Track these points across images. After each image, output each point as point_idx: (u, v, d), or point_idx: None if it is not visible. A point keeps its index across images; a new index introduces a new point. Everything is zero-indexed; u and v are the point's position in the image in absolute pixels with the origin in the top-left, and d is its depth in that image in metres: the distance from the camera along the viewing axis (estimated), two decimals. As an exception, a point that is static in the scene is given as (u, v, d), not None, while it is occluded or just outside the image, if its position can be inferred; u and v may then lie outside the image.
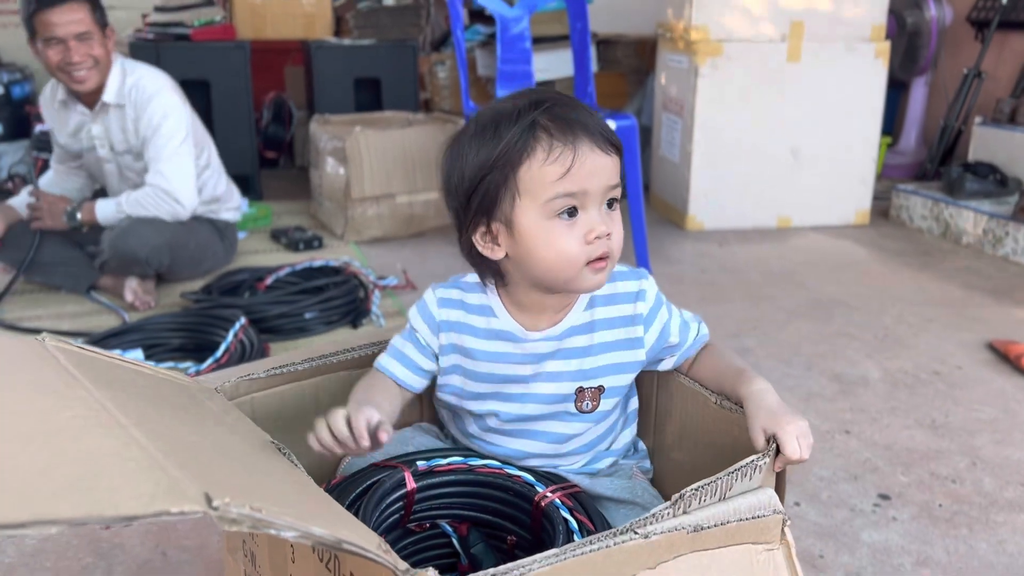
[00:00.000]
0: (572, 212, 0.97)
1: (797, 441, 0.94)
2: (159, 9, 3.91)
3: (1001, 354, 2.21)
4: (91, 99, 2.53)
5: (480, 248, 1.03)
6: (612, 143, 1.00)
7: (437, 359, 1.11)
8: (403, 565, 0.70)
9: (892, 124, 4.52)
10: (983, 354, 2.24)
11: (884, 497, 1.60)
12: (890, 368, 2.16)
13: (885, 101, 3.52)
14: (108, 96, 2.50)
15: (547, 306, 1.08)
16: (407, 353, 1.10)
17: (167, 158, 2.52)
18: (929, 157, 4.18)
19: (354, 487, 1.05)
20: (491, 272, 1.06)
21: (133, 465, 0.62)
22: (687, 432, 1.15)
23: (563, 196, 0.96)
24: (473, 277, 1.11)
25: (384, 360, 1.10)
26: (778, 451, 0.94)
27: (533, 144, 0.96)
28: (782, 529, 0.92)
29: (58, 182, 2.76)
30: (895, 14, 4.12)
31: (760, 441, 0.96)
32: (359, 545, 0.67)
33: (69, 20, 2.35)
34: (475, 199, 0.99)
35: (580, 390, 1.09)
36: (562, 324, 1.08)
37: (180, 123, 2.56)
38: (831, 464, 1.71)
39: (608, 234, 0.98)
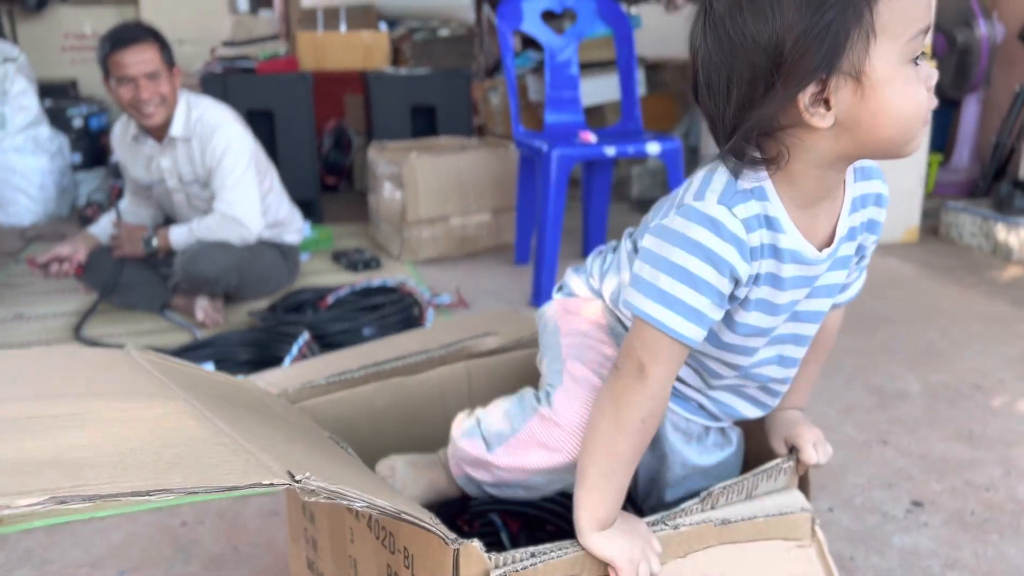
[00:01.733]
0: (920, 55, 0.81)
1: (814, 447, 1.02)
2: (227, 44, 4.13)
3: (1043, 368, 2.23)
4: (160, 134, 2.70)
5: (807, 116, 0.81)
6: None
7: (732, 299, 0.90)
8: (452, 535, 0.80)
9: (944, 142, 4.51)
10: (1026, 368, 2.26)
11: (917, 504, 1.65)
12: (931, 381, 2.20)
13: (938, 118, 3.54)
14: (175, 131, 2.67)
15: (823, 204, 0.90)
16: (696, 305, 0.86)
17: (232, 186, 2.68)
18: (982, 175, 4.17)
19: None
20: (771, 158, 0.86)
21: (225, 449, 0.73)
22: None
23: (920, 35, 0.79)
24: (729, 177, 0.87)
25: (671, 320, 0.86)
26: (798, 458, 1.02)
27: None
28: (812, 527, 0.99)
29: (132, 210, 2.94)
30: (945, 32, 4.13)
31: (781, 450, 1.04)
32: (416, 516, 0.77)
33: (139, 60, 2.53)
34: (816, 48, 0.78)
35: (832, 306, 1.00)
36: (838, 232, 0.92)
37: (242, 152, 2.72)
38: (866, 472, 1.77)
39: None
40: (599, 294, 1.09)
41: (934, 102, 0.82)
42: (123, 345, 2.40)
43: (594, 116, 4.38)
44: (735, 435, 1.09)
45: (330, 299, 2.61)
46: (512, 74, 3.07)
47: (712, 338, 0.93)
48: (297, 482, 0.68)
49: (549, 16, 3.27)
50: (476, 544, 0.80)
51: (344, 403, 1.19)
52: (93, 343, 2.49)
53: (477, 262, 3.41)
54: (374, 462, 1.18)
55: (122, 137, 2.82)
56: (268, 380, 1.19)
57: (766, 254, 0.88)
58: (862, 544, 1.52)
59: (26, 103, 4.16)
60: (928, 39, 0.81)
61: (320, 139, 4.71)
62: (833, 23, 0.77)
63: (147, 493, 0.62)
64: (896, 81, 0.79)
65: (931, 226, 3.72)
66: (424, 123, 4.13)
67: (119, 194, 3.11)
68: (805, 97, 0.80)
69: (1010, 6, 4.30)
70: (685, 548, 0.89)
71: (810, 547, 0.99)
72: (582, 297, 1.11)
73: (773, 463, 0.97)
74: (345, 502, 0.71)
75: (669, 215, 0.88)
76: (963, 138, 4.40)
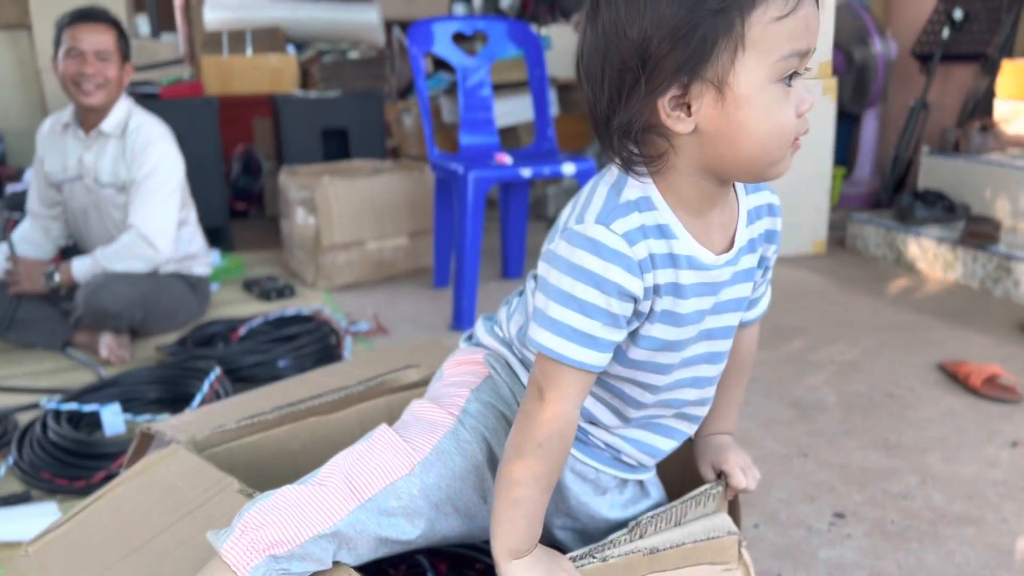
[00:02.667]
0: (791, 77, 0.79)
1: (743, 472, 1.02)
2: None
3: (950, 374, 2.30)
4: (91, 123, 2.63)
5: (665, 117, 0.80)
6: None
7: (633, 318, 0.87)
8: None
9: (846, 156, 4.67)
10: (934, 375, 2.33)
11: (839, 516, 1.67)
12: (846, 392, 2.25)
13: (839, 133, 3.65)
14: (107, 126, 2.61)
15: (714, 212, 0.88)
16: (587, 330, 0.83)
17: (153, 204, 2.60)
18: (883, 186, 4.32)
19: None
20: (651, 157, 0.84)
21: None
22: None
23: (794, 56, 0.77)
24: (611, 190, 0.85)
25: (563, 348, 0.84)
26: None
27: None
28: (739, 550, 0.98)
29: (31, 238, 2.80)
30: (843, 50, 4.28)
31: (710, 476, 1.03)
32: None
33: (94, 38, 2.51)
34: (680, 51, 0.76)
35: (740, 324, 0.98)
36: (737, 242, 0.91)
37: (173, 175, 2.66)
38: (789, 486, 1.78)
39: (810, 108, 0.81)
40: (505, 341, 1.04)
41: (804, 127, 0.81)
42: (16, 389, 2.28)
43: (509, 137, 4.39)
44: (655, 490, 1.05)
45: (242, 331, 2.52)
46: (425, 97, 3.05)
47: (620, 357, 0.90)
48: None
49: (460, 38, 3.26)
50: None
51: (257, 447, 1.14)
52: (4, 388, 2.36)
53: (395, 286, 3.36)
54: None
55: (51, 128, 2.75)
56: (175, 425, 1.12)
57: (661, 263, 0.85)
58: (789, 559, 1.53)
59: (-90, 133, 3.93)
60: (812, 62, 0.80)
61: (228, 164, 4.59)
62: (702, 27, 0.75)
63: None
64: (760, 99, 0.77)
65: (838, 238, 3.84)
66: (336, 146, 4.07)
67: (15, 226, 2.96)
68: (666, 99, 0.79)
69: (902, 24, 4.49)
70: (613, 585, 0.87)
71: (737, 570, 0.98)
72: (483, 345, 1.07)
73: (702, 489, 0.96)
74: None
75: (554, 240, 0.86)
76: (864, 152, 4.55)
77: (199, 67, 3.99)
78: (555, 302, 0.84)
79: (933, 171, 3.63)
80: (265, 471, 1.12)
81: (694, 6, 0.75)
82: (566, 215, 0.88)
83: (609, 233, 0.82)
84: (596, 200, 0.85)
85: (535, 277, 0.98)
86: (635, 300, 0.84)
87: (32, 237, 2.81)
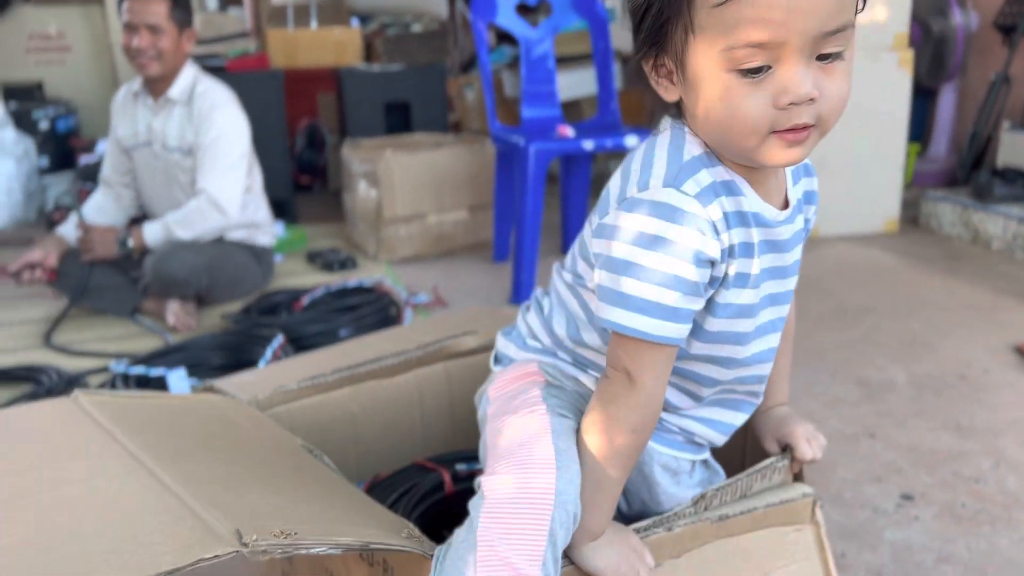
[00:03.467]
0: (758, 70, 0.72)
1: (807, 443, 0.99)
2: (196, 42, 4.05)
3: (1028, 356, 2.22)
4: (158, 91, 2.69)
5: (651, 82, 0.81)
6: None
7: (709, 285, 0.82)
8: (429, 548, 0.76)
9: (922, 132, 4.51)
10: (1010, 357, 2.25)
11: (907, 497, 1.62)
12: (916, 372, 2.18)
13: (914, 109, 3.53)
14: (174, 92, 2.66)
15: (766, 170, 0.83)
16: (667, 302, 0.78)
17: (221, 170, 2.65)
18: (960, 164, 4.17)
19: (395, 487, 1.11)
20: (677, 109, 0.82)
21: (168, 517, 0.70)
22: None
23: (747, 48, 0.71)
24: (671, 149, 0.82)
25: (644, 324, 0.79)
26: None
27: None
28: (812, 510, 0.95)
29: (103, 206, 2.87)
30: (920, 22, 4.13)
31: (775, 450, 1.00)
32: (383, 542, 0.73)
33: (146, 10, 2.55)
34: (646, 22, 0.77)
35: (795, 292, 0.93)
36: (791, 199, 0.87)
37: (240, 140, 2.72)
38: (855, 467, 1.74)
39: (813, 99, 0.73)
40: (547, 349, 0.99)
41: (791, 120, 0.73)
42: (88, 354, 2.34)
43: (571, 110, 4.35)
44: (720, 469, 1.03)
45: (305, 300, 2.55)
46: (487, 68, 3.02)
47: (697, 333, 0.85)
48: (245, 546, 0.64)
49: (524, 10, 3.22)
50: (456, 554, 0.76)
51: (318, 409, 1.14)
52: (62, 350, 2.42)
53: (455, 260, 3.36)
54: (353, 470, 1.14)
55: (124, 96, 2.82)
56: (238, 384, 1.14)
57: (733, 222, 0.81)
58: (854, 540, 1.49)
59: (-10, 106, 4.06)
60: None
61: (293, 138, 4.64)
62: (657, 3, 0.75)
63: None
64: (713, 85, 0.74)
65: (911, 216, 3.72)
66: (399, 120, 4.07)
67: (88, 196, 3.04)
68: (648, 65, 0.80)
69: (984, -5, 4.30)
70: (680, 548, 0.85)
71: (807, 530, 0.96)
72: (517, 362, 1.01)
73: (767, 462, 0.93)
74: (304, 551, 0.67)
75: (611, 212, 0.82)
76: (940, 128, 4.39)
77: (265, 40, 4.03)
78: (628, 276, 0.78)
79: (1013, 147, 3.49)
80: (324, 432, 1.12)
81: None
82: (619, 185, 0.84)
83: (681, 195, 0.77)
84: (658, 163, 0.81)
85: (564, 271, 0.96)
86: (712, 264, 0.80)
87: (104, 205, 2.88)
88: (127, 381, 1.99)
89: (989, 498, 1.61)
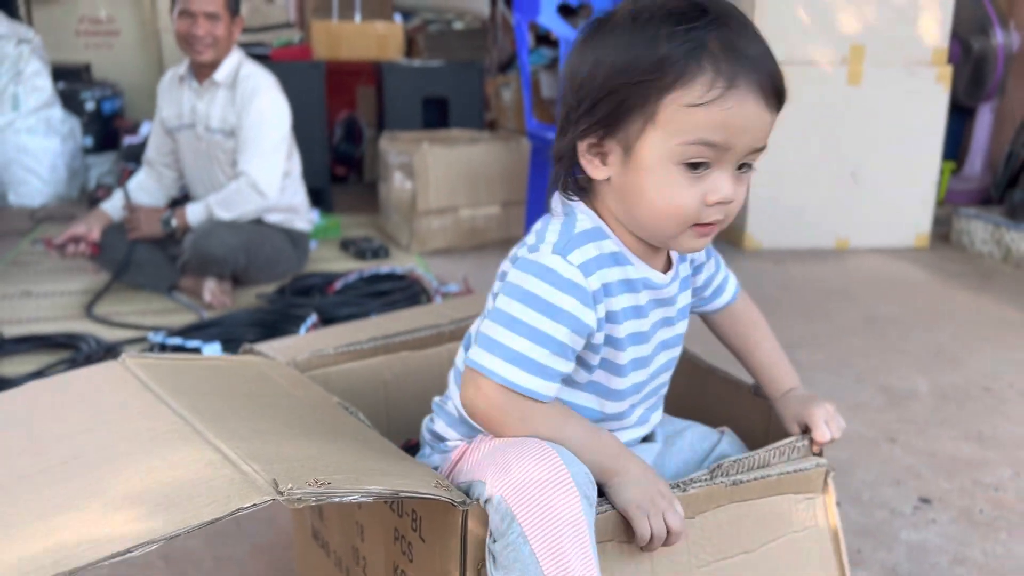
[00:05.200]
0: (702, 165, 0.81)
1: (826, 424, 1.01)
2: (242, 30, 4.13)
3: (1054, 373, 2.21)
4: (204, 75, 2.75)
5: (583, 159, 0.87)
6: (778, 97, 0.83)
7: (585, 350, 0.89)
8: (460, 497, 0.79)
9: (957, 150, 4.49)
10: (1037, 373, 2.25)
11: (925, 501, 1.64)
12: (940, 383, 2.18)
13: (950, 127, 3.52)
14: (219, 75, 2.73)
15: (642, 246, 0.92)
16: (541, 360, 0.84)
17: (261, 153, 2.71)
18: (994, 183, 4.15)
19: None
20: (575, 185, 0.90)
21: (210, 470, 0.74)
22: (722, 419, 1.22)
23: (701, 144, 0.80)
24: (564, 223, 0.89)
25: (511, 373, 0.84)
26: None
27: (694, 72, 0.79)
28: (825, 479, 0.98)
29: (146, 186, 2.95)
30: (961, 39, 4.11)
31: (795, 431, 1.03)
32: (413, 490, 0.77)
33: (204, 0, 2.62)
34: (601, 107, 0.83)
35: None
36: (673, 257, 0.96)
37: (281, 124, 2.78)
38: (874, 469, 1.75)
39: (732, 200, 0.83)
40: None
41: (714, 216, 0.83)
42: (128, 326, 2.41)
43: (606, 114, 4.37)
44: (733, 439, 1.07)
45: (338, 284, 2.60)
46: (527, 67, 3.07)
47: (602, 391, 0.93)
48: (281, 494, 0.68)
49: (565, 11, 3.26)
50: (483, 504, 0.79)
51: (353, 374, 1.19)
52: (103, 321, 2.49)
53: (485, 254, 3.40)
54: (383, 434, 1.17)
55: (170, 80, 2.89)
56: (277, 348, 1.18)
57: (618, 290, 0.88)
58: (870, 538, 1.51)
59: (40, 84, 4.16)
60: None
61: (331, 129, 4.71)
62: (621, 92, 0.81)
63: (127, 551, 0.64)
64: (657, 174, 0.82)
65: (942, 233, 3.71)
66: (436, 115, 4.13)
67: (131, 176, 3.12)
68: (585, 144, 0.85)
69: (1027, 15, 4.28)
70: (694, 510, 0.88)
71: (818, 498, 0.98)
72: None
73: (786, 441, 0.96)
74: (337, 499, 0.71)
75: (509, 270, 0.88)
76: (976, 147, 4.38)
77: (309, 31, 4.10)
78: (503, 327, 0.84)
79: (1050, 168, 3.47)
80: (357, 396, 1.16)
81: (622, 71, 0.81)
82: (515, 250, 0.92)
83: (565, 264, 0.84)
84: (550, 233, 0.88)
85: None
86: (589, 333, 0.86)
87: (146, 185, 2.95)
88: (164, 351, 2.05)
89: (1008, 506, 1.62)
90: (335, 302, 2.41)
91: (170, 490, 0.72)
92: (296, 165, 2.94)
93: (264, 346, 1.21)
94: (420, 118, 4.09)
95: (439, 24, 4.24)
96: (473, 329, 1.00)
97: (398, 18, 4.33)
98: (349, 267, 3.01)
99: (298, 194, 2.95)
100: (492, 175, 3.45)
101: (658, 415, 1.04)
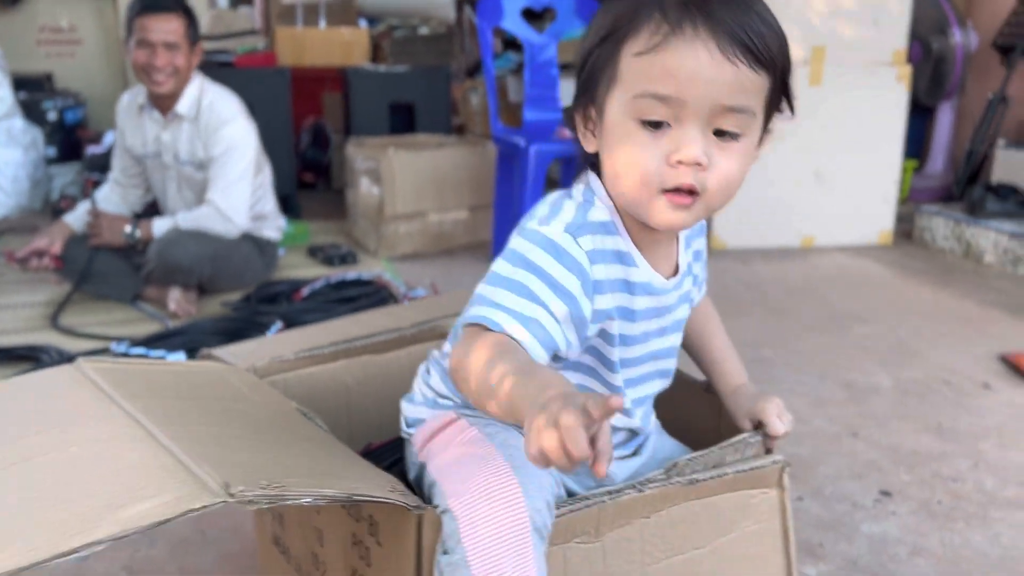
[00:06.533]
0: (659, 124, 0.78)
1: (778, 419, 1.03)
2: (205, 37, 4.11)
3: (1012, 366, 2.25)
4: (166, 107, 2.70)
5: (579, 134, 0.86)
6: (749, 49, 0.76)
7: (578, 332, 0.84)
8: (413, 501, 0.80)
9: (920, 148, 4.56)
10: (995, 366, 2.29)
11: (885, 494, 1.66)
12: (901, 378, 2.22)
13: (912, 126, 3.58)
14: (182, 108, 2.68)
15: (661, 240, 0.90)
16: (534, 315, 0.78)
17: (231, 182, 2.69)
18: (955, 181, 4.21)
19: (386, 456, 1.15)
20: (593, 166, 0.88)
21: (162, 472, 0.74)
22: (674, 416, 1.21)
23: (650, 97, 0.77)
24: (579, 208, 0.86)
25: (504, 321, 0.78)
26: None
27: (642, 19, 0.77)
28: (780, 475, 0.99)
29: (111, 199, 2.91)
30: (921, 40, 4.18)
31: (747, 427, 1.04)
32: (367, 494, 0.77)
33: (163, 28, 2.56)
34: (583, 74, 0.83)
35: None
36: (680, 266, 0.94)
37: (247, 152, 2.74)
38: (836, 463, 1.78)
39: (700, 164, 0.77)
40: (458, 405, 0.97)
41: (679, 180, 0.78)
42: (92, 336, 2.39)
43: (573, 117, 4.39)
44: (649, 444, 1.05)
45: (305, 291, 2.59)
46: (491, 71, 3.08)
47: (594, 374, 0.92)
48: (232, 496, 0.68)
49: (529, 15, 3.28)
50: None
51: (313, 379, 1.19)
52: (68, 332, 2.46)
53: (454, 259, 3.41)
54: (345, 439, 1.17)
55: (129, 104, 2.83)
56: (236, 353, 1.18)
57: (615, 288, 0.86)
58: (831, 531, 1.53)
59: (0, 94, 4.11)
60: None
61: (298, 136, 4.69)
62: (595, 53, 0.81)
63: (73, 551, 0.64)
64: (617, 132, 0.79)
65: (905, 230, 3.76)
66: (402, 121, 4.13)
67: (95, 186, 3.09)
68: (580, 115, 0.84)
69: (984, 15, 4.36)
70: (650, 509, 0.89)
71: (772, 492, 1.00)
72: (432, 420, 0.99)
73: (739, 437, 0.97)
74: (289, 502, 0.71)
75: (512, 238, 0.86)
76: (937, 145, 4.45)
77: (273, 38, 4.08)
78: (503, 288, 0.79)
79: (1008, 164, 3.54)
80: (318, 402, 1.16)
81: (596, 33, 0.81)
82: (521, 222, 0.88)
83: (575, 245, 0.82)
84: (565, 213, 0.85)
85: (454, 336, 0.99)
86: (583, 323, 0.83)
87: (112, 198, 2.93)
88: (128, 361, 2.03)
89: (966, 496, 1.65)
90: (301, 309, 2.40)
91: (120, 491, 0.71)
92: (266, 178, 2.94)
93: (224, 351, 1.21)
94: (387, 124, 4.08)
95: (405, 29, 4.24)
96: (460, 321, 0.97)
97: (363, 24, 4.32)
98: (317, 273, 2.99)
99: (268, 203, 2.94)
100: (459, 180, 3.45)
101: (648, 420, 1.02)
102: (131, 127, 2.83)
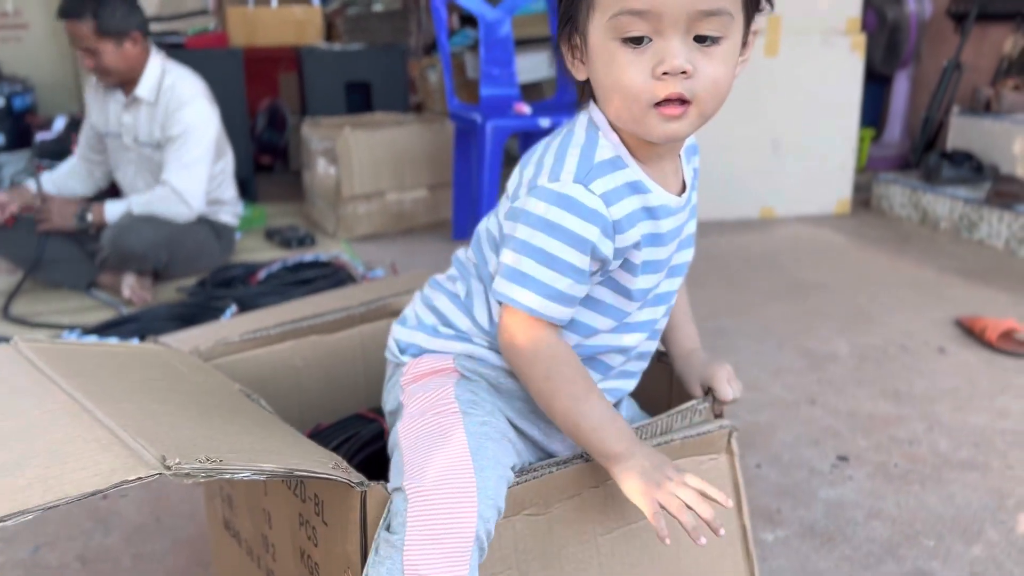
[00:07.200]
0: (640, 40, 0.79)
1: (728, 384, 1.03)
2: (154, 19, 4.02)
3: (967, 329, 2.28)
4: (127, 89, 2.68)
5: (567, 64, 0.88)
6: None
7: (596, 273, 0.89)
8: (357, 478, 0.78)
9: (877, 117, 4.59)
10: (950, 330, 2.31)
11: (843, 459, 1.68)
12: (859, 344, 2.24)
13: (870, 95, 3.59)
14: (141, 91, 2.65)
15: (665, 159, 0.91)
16: (558, 286, 0.85)
17: (187, 164, 2.64)
18: (912, 148, 4.25)
19: (335, 436, 1.13)
20: (589, 96, 0.89)
21: (96, 445, 0.72)
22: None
23: (626, 14, 0.78)
24: (583, 151, 0.87)
25: (534, 302, 0.85)
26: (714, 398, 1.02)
27: None
28: (728, 440, 0.99)
29: (78, 171, 2.90)
30: (876, 9, 4.20)
31: (698, 393, 1.04)
32: (308, 469, 0.75)
33: (75, 34, 2.55)
34: (563, 4, 0.85)
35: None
36: (687, 182, 0.95)
37: (206, 134, 2.70)
38: (794, 431, 1.79)
39: (686, 72, 0.79)
40: (459, 336, 0.99)
41: (667, 90, 0.79)
42: (44, 326, 2.34)
43: (534, 92, 4.37)
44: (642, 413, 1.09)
45: (261, 274, 2.56)
46: (446, 46, 3.04)
47: (614, 313, 0.93)
48: (168, 468, 0.67)
49: (484, -10, 3.24)
50: (381, 485, 0.78)
51: (260, 361, 1.17)
52: (20, 322, 2.41)
53: (414, 238, 3.38)
54: (295, 421, 1.16)
55: (95, 85, 2.80)
56: (180, 339, 1.15)
57: (638, 219, 0.87)
58: (789, 497, 1.54)
59: (-57, 81, 4.00)
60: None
61: (254, 118, 4.62)
62: None
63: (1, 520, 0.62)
64: (601, 54, 0.81)
65: (863, 199, 3.79)
66: (359, 99, 4.08)
67: (41, 172, 3.01)
68: (567, 47, 0.86)
69: (937, -17, 4.38)
70: (598, 479, 0.89)
71: (721, 458, 1.00)
72: (431, 351, 1.00)
73: (688, 404, 0.97)
74: (228, 475, 0.70)
75: (522, 197, 0.87)
76: (894, 113, 4.48)
77: (225, 18, 4.00)
78: (527, 257, 0.85)
79: (962, 131, 3.57)
80: (266, 383, 1.15)
81: None
82: (531, 173, 0.88)
83: (588, 193, 0.84)
84: (570, 159, 0.86)
85: (470, 255, 1.00)
86: (602, 261, 0.87)
87: (79, 171, 2.92)
88: (79, 350, 1.99)
89: (920, 459, 1.67)
90: (257, 292, 2.37)
91: (52, 464, 0.69)
92: (228, 164, 2.90)
93: (169, 338, 1.18)
94: (343, 103, 4.03)
95: (359, 7, 4.18)
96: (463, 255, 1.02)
97: (316, 2, 4.25)
98: (274, 256, 2.96)
99: (227, 190, 2.91)
100: (418, 158, 3.42)
101: (632, 383, 1.03)
102: (97, 105, 2.81)
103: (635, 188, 0.87)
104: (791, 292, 2.65)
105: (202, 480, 0.69)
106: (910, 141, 4.41)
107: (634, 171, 0.87)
